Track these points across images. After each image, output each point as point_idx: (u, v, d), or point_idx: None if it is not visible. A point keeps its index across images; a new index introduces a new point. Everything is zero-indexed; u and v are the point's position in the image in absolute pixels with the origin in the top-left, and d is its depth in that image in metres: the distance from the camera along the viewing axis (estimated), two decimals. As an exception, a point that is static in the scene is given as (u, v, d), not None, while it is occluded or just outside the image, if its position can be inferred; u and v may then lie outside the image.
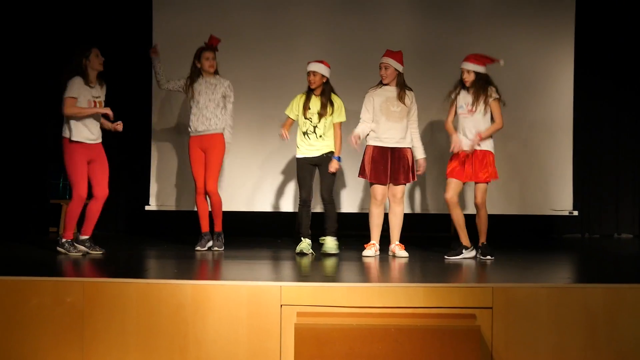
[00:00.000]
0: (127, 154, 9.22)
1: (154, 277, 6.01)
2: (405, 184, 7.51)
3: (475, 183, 7.29)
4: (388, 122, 7.43)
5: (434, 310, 5.48)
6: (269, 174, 9.07)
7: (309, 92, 7.58)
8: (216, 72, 7.69)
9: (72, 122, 7.04)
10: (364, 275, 6.54)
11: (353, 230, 8.61)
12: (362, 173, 7.56)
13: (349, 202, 9.10)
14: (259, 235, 9.10)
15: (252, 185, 9.04)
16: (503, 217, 9.07)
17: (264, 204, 9.09)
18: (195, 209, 7.79)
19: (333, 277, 6.36)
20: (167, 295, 5.53)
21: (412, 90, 7.55)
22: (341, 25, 9.07)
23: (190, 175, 7.81)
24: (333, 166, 7.56)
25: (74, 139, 7.04)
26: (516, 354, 5.45)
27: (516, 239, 9.11)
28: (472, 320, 5.44)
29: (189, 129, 7.71)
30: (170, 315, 5.51)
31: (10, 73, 9.17)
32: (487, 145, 7.29)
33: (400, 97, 7.44)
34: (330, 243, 7.56)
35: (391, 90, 7.48)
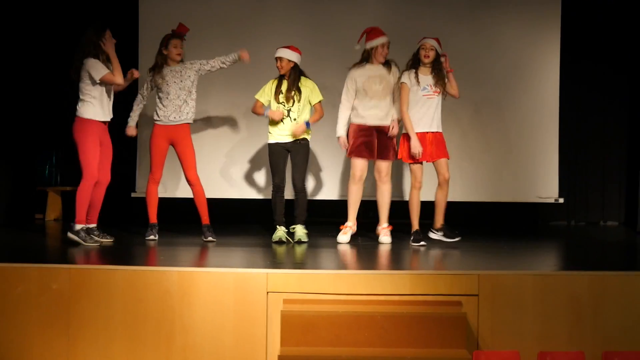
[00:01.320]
0: (113, 141, 9.16)
1: (140, 264, 5.99)
2: (392, 161, 7.41)
3: (436, 160, 7.25)
4: (371, 100, 7.32)
5: (420, 297, 5.50)
6: (238, 161, 9.07)
7: (281, 78, 7.53)
8: (181, 62, 7.53)
9: (89, 101, 6.96)
10: (349, 262, 6.55)
11: (328, 218, 8.63)
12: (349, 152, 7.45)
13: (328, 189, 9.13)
14: (243, 222, 9.08)
15: (228, 172, 9.04)
16: (489, 204, 9.09)
17: (245, 191, 9.09)
18: (185, 197, 7.80)
19: (318, 264, 6.36)
20: (154, 282, 5.53)
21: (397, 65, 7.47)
22: (317, 10, 9.08)
23: (173, 162, 7.77)
24: (300, 128, 7.42)
25: (90, 117, 6.97)
26: (502, 341, 5.48)
27: (502, 226, 9.12)
28: (458, 308, 5.46)
29: (156, 117, 7.52)
30: (156, 302, 5.51)
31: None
32: (440, 127, 7.32)
33: (387, 73, 7.34)
34: (300, 231, 7.55)
35: (375, 69, 7.36)
